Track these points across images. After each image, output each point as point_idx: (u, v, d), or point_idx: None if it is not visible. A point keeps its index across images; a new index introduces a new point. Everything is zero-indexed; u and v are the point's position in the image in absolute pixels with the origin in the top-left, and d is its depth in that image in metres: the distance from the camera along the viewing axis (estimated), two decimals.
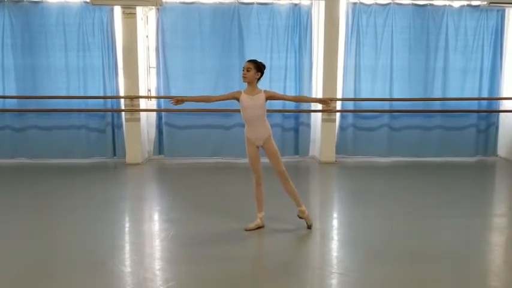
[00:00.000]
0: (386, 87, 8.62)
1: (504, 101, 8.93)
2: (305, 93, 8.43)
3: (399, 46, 8.56)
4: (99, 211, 5.72)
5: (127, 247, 4.72)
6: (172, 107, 8.00)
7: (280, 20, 8.41)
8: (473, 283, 3.89)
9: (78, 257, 4.31)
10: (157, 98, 8.61)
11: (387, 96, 8.63)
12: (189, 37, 8.39)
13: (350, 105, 8.78)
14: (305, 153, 8.80)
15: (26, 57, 8.27)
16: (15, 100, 8.46)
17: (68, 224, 5.26)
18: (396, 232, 5.03)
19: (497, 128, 9.00)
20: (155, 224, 5.53)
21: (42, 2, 8.22)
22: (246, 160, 5.04)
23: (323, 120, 8.51)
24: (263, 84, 5.31)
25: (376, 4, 8.49)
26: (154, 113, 8.75)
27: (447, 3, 8.52)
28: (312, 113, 8.71)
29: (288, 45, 8.47)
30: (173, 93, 8.31)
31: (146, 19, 8.50)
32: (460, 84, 8.70)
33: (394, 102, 8.71)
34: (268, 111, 4.95)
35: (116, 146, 8.59)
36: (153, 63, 8.64)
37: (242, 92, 4.86)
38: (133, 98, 8.25)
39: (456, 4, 8.55)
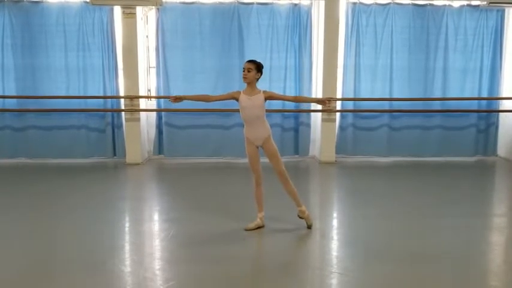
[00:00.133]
0: (386, 87, 8.62)
1: (504, 101, 8.93)
2: (305, 93, 8.43)
3: (399, 46, 8.56)
4: (99, 211, 5.73)
5: (127, 247, 4.72)
6: (172, 107, 8.08)
7: (280, 20, 8.41)
8: (473, 283, 3.89)
9: (78, 257, 4.32)
10: (157, 98, 8.61)
11: (387, 96, 8.63)
12: (189, 37, 8.40)
13: (350, 105, 8.78)
14: (305, 153, 8.80)
15: (26, 57, 8.28)
16: (15, 100, 8.46)
17: (68, 224, 5.27)
18: (396, 232, 5.03)
19: (497, 127, 9.00)
20: (155, 223, 5.53)
21: (42, 2, 8.22)
22: (246, 160, 5.04)
23: (323, 120, 8.51)
24: (263, 84, 5.32)
25: (376, 4, 8.49)
26: (154, 113, 8.75)
27: (447, 3, 8.53)
28: (312, 113, 8.71)
29: (288, 45, 8.47)
30: (173, 93, 8.27)
31: (146, 19, 8.49)
32: (460, 84, 8.70)
33: (394, 102, 8.71)
34: (267, 111, 4.95)
35: (115, 146, 8.60)
36: (153, 63, 8.64)
37: (241, 92, 4.87)
38: (133, 98, 8.25)
39: (456, 4, 8.55)
